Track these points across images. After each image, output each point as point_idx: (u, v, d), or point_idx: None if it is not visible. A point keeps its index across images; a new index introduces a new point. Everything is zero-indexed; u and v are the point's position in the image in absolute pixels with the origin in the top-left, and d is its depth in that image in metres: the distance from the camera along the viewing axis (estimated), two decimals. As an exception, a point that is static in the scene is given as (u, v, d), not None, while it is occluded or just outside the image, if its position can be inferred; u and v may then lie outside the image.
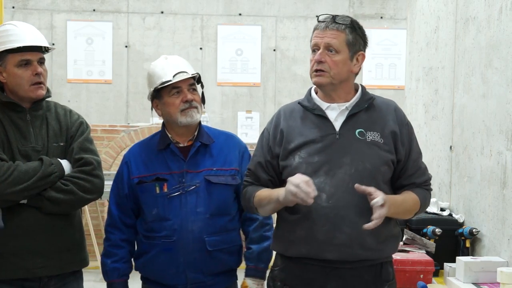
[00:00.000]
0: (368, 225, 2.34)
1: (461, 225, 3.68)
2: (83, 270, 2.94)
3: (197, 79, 2.90)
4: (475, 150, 3.62)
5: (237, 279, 2.96)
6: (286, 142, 2.52)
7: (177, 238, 2.77)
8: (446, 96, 4.14)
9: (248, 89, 10.74)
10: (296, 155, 2.49)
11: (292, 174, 2.45)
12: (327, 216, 2.40)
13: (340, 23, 2.48)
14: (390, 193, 2.51)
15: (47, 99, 2.86)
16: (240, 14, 10.73)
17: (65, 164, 2.76)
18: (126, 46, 10.69)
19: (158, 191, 2.80)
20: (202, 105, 2.89)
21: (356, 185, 2.37)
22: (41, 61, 2.77)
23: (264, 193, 2.55)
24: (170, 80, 2.80)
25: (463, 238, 3.54)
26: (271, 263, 2.73)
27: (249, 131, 10.30)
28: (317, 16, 2.55)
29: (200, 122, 2.90)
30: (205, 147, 2.86)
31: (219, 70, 10.55)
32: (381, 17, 10.63)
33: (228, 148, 2.91)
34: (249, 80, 10.71)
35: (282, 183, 2.53)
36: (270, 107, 10.41)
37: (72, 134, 2.82)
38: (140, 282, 2.97)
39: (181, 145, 2.87)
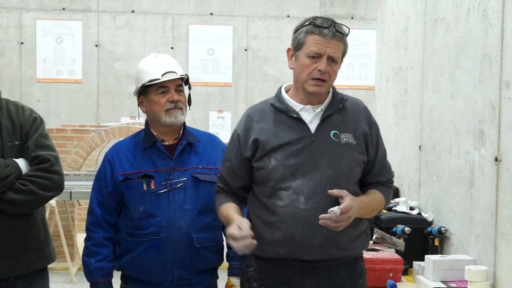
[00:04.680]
0: (324, 222, 2.33)
1: (430, 223, 3.71)
2: (53, 271, 2.89)
3: (185, 81, 2.91)
4: (443, 149, 3.65)
5: (218, 277, 2.96)
6: (260, 145, 2.50)
7: (165, 235, 2.77)
8: (415, 96, 4.18)
9: (220, 88, 10.72)
10: (272, 158, 2.47)
11: (268, 177, 2.46)
12: (306, 219, 2.40)
13: (343, 33, 2.46)
14: (358, 193, 2.55)
15: None
16: (211, 14, 10.70)
17: (22, 163, 2.69)
18: (96, 45, 10.59)
19: (145, 188, 2.80)
20: (188, 106, 2.91)
21: (329, 191, 2.39)
22: None
23: (224, 212, 2.57)
24: (159, 79, 2.80)
25: (432, 236, 3.57)
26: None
27: (221, 131, 10.29)
28: (313, 18, 2.46)
29: (184, 122, 2.92)
30: (190, 146, 2.89)
31: (191, 70, 10.51)
32: (352, 18, 10.68)
33: (212, 148, 2.94)
34: (220, 80, 10.69)
35: (253, 184, 2.55)
36: (242, 106, 10.40)
37: (26, 131, 2.73)
38: (117, 283, 2.92)
39: (166, 143, 2.89)
